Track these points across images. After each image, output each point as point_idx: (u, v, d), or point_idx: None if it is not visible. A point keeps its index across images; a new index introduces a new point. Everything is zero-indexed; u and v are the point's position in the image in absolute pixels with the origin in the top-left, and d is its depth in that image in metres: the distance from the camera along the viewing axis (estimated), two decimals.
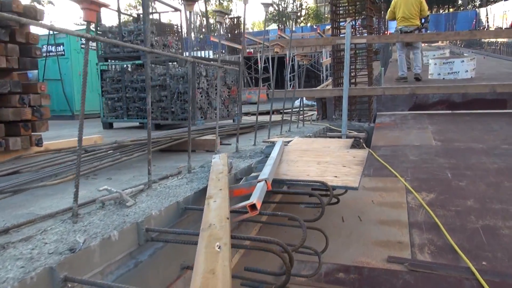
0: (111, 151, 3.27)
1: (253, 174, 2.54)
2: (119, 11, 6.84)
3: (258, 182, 2.15)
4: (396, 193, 3.56)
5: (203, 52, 20.42)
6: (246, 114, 10.74)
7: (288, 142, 3.88)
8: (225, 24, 28.90)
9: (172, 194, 2.11)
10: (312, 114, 9.00)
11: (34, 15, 3.65)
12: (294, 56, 5.26)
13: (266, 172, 2.33)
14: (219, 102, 3.30)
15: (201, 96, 6.34)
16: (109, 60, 7.11)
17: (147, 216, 1.73)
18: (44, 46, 11.05)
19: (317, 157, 3.08)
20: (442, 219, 2.95)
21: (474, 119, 6.23)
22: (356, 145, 5.02)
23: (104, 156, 3.02)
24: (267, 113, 10.77)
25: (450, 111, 6.84)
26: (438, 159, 4.39)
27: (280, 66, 29.45)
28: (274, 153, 2.92)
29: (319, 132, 5.78)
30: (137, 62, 6.74)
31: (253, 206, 1.79)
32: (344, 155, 3.11)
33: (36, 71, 11.83)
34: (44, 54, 11.22)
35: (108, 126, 7.12)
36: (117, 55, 6.90)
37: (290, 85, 27.40)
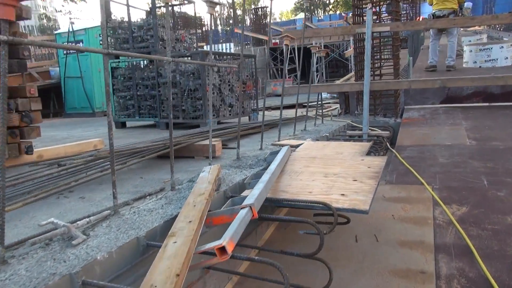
0: (100, 160, 2.97)
1: (243, 194, 2.16)
2: (128, 4, 6.57)
3: (241, 208, 1.76)
4: (422, 205, 3.08)
5: (224, 44, 20.04)
6: (267, 108, 10.32)
7: (298, 146, 3.46)
8: (251, 15, 28.41)
9: (138, 223, 1.76)
10: (335, 108, 8.49)
11: (19, 13, 3.38)
12: (309, 47, 4.80)
13: (254, 193, 1.94)
14: (211, 100, 2.93)
15: (213, 93, 5.98)
16: (119, 57, 6.87)
17: (89, 263, 1.39)
18: (64, 44, 11.01)
19: (325, 167, 2.66)
20: (476, 241, 2.47)
21: None
22: (378, 144, 4.53)
23: (86, 169, 2.71)
24: (291, 106, 10.32)
25: (487, 104, 6.18)
26: (473, 162, 3.85)
27: (307, 57, 28.81)
28: (274, 164, 2.52)
29: (338, 131, 5.31)
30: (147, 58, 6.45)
31: (223, 249, 1.41)
32: (357, 165, 2.67)
33: (58, 68, 11.88)
34: (64, 52, 11.20)
35: (121, 125, 6.90)
36: (128, 52, 6.64)
37: (316, 75, 26.76)
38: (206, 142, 3.51)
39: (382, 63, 6.26)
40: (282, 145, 3.71)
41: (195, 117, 5.97)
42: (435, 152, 4.27)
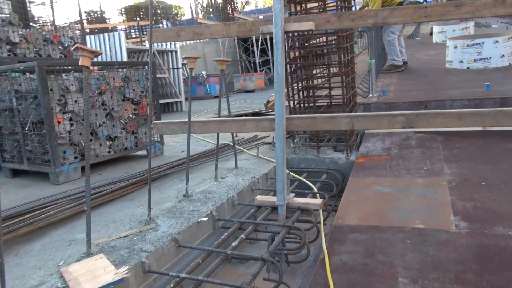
0: None
1: None
2: None
3: None
4: None
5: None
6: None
7: None
8: (212, 1, 26.07)
9: None
10: None
11: None
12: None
13: None
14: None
15: (71, 125, 3.94)
16: None
17: None
18: None
19: None
20: None
21: None
22: (294, 232, 2.56)
23: None
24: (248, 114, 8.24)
25: (480, 128, 4.28)
26: None
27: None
28: None
29: (250, 188, 3.33)
30: None
31: None
32: None
33: None
34: None
35: None
36: None
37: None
38: None
39: (330, 73, 4.30)
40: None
41: (45, 161, 3.93)
42: (395, 252, 2.32)
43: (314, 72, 4.43)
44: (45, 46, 4.98)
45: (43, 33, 5.00)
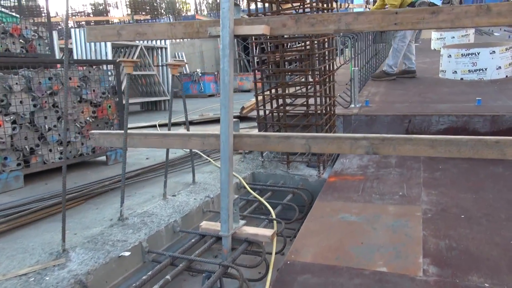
0: None
1: None
2: None
3: None
4: None
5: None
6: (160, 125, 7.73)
7: None
8: None
9: None
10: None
11: None
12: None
13: None
14: None
15: (14, 129, 3.57)
16: None
17: None
18: None
19: None
20: None
21: None
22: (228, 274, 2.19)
23: None
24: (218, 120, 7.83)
25: None
26: None
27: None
28: None
29: (201, 209, 2.95)
30: None
31: None
32: None
33: None
34: None
35: None
36: None
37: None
38: None
39: (306, 81, 3.93)
40: None
41: None
42: None
43: (291, 79, 4.06)
44: (4, 39, 4.61)
45: (2, 25, 4.62)
